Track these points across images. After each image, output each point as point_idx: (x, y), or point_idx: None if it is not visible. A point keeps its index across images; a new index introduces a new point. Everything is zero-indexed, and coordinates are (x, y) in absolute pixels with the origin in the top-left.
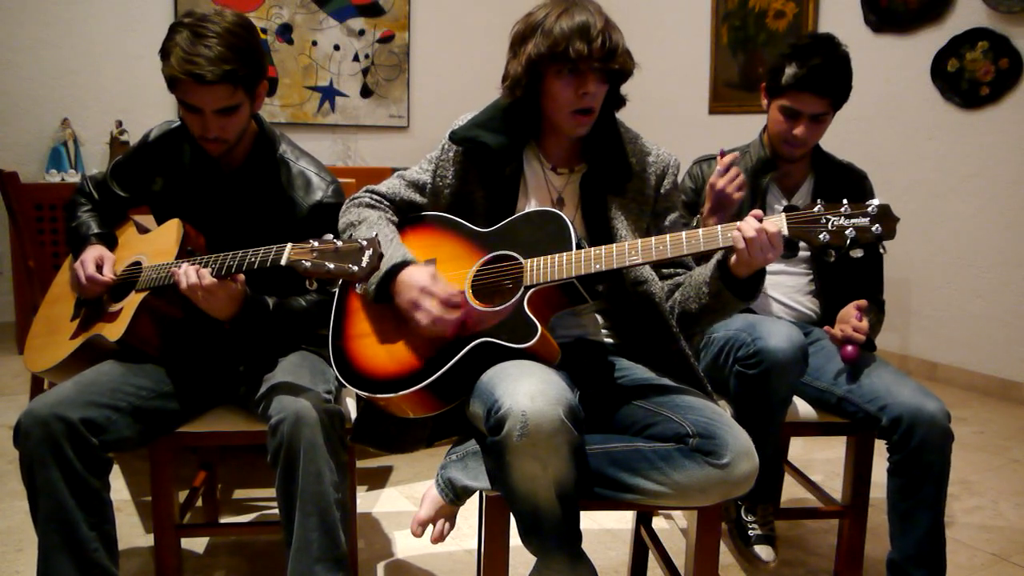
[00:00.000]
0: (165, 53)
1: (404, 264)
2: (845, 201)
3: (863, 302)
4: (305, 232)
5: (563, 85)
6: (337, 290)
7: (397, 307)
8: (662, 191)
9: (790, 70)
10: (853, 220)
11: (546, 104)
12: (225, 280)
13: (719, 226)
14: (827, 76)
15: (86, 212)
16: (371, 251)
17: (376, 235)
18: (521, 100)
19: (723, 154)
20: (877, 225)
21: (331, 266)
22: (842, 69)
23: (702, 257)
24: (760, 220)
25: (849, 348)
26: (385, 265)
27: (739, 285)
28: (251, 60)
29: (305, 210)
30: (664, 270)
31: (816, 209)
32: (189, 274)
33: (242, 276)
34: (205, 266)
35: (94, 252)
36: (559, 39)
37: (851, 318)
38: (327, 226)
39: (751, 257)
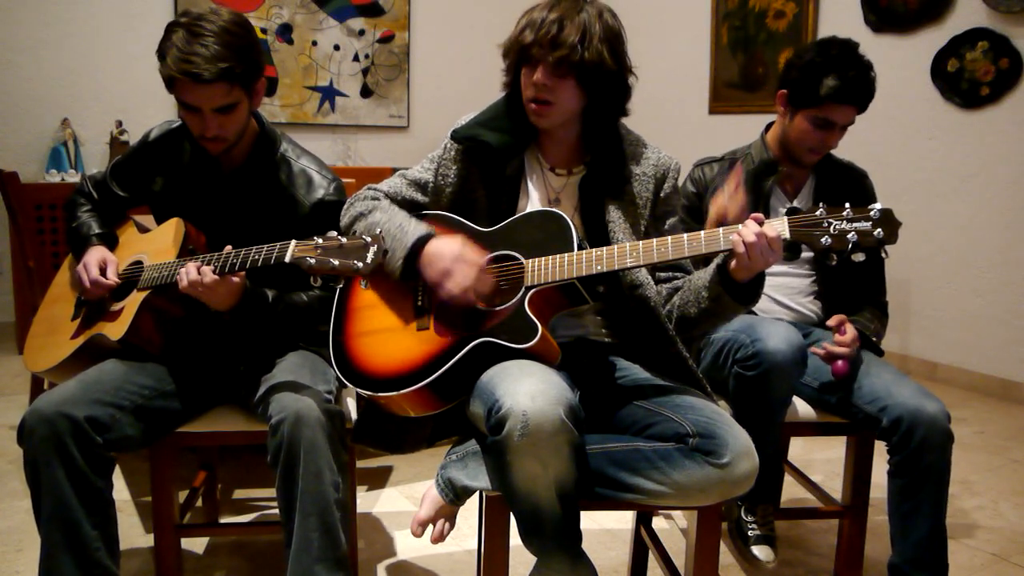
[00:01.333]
0: (162, 53)
1: (429, 236)
2: (847, 205)
3: (835, 317)
4: (307, 230)
5: (523, 75)
6: (341, 286)
7: (425, 279)
8: (662, 195)
9: (829, 82)
10: (855, 224)
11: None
12: (226, 276)
13: (720, 229)
14: (863, 87)
15: (86, 212)
16: (376, 247)
17: (380, 232)
18: (514, 97)
19: (739, 175)
20: (879, 229)
21: (335, 262)
22: (872, 78)
23: (702, 260)
24: (761, 224)
25: (839, 363)
26: (411, 239)
27: (739, 289)
28: (248, 58)
29: (307, 208)
30: (661, 274)
31: (818, 213)
32: (190, 271)
33: (242, 273)
34: (208, 264)
35: (97, 255)
36: (516, 32)
37: (834, 335)
38: (329, 224)
39: (751, 261)
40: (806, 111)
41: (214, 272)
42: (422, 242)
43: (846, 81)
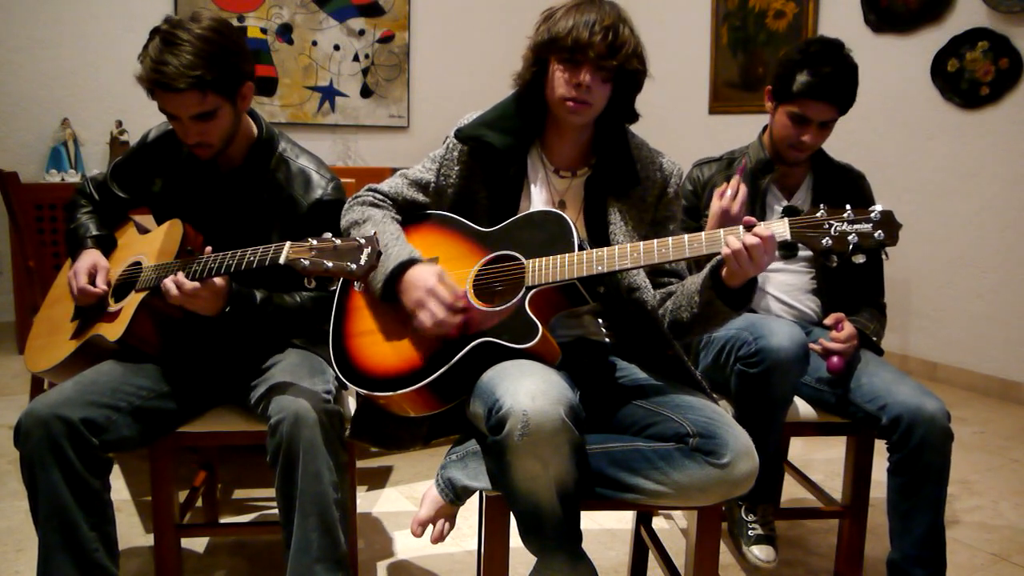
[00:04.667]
0: (140, 60)
1: (411, 263)
2: (848, 207)
3: (832, 316)
4: (306, 230)
5: (560, 73)
6: (338, 287)
7: (402, 305)
8: (663, 200)
9: (801, 78)
10: (856, 226)
11: (548, 93)
12: (208, 281)
13: (721, 229)
14: (838, 85)
15: (85, 213)
16: (369, 249)
17: (375, 233)
18: (528, 95)
19: (742, 171)
20: (880, 231)
21: (329, 264)
22: (851, 77)
23: (697, 265)
24: (752, 227)
25: (834, 359)
26: (392, 263)
27: (731, 295)
28: (224, 65)
29: (305, 208)
30: (657, 279)
31: (819, 214)
32: (169, 288)
33: (225, 277)
34: (203, 266)
35: (87, 262)
36: (563, 28)
37: (830, 332)
38: (328, 223)
39: (740, 267)
40: (784, 106)
41: (198, 277)
42: (402, 268)
43: (819, 77)
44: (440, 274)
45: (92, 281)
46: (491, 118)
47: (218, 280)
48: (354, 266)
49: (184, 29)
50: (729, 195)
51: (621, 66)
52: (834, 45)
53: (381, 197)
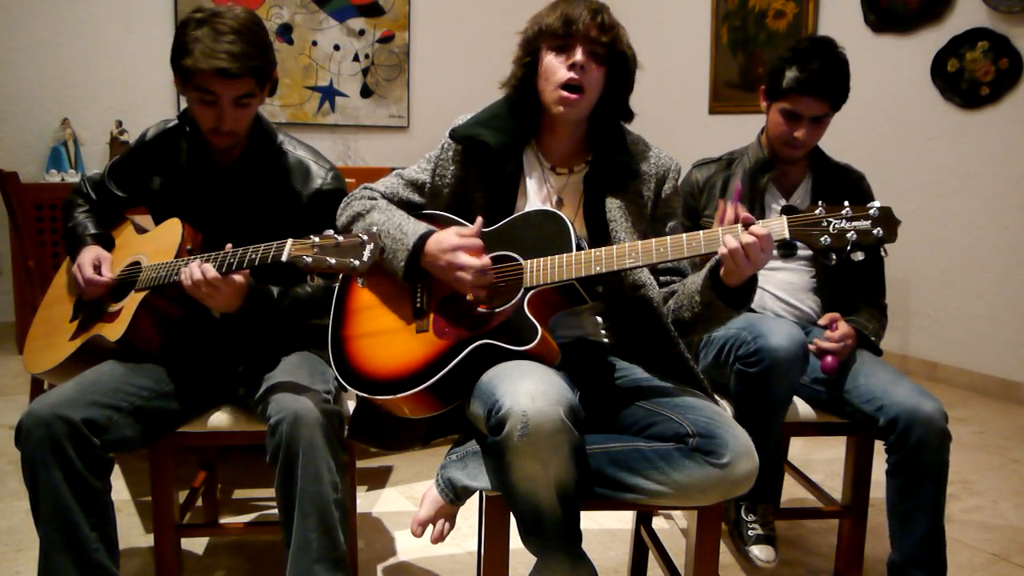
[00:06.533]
0: (183, 48)
1: (429, 233)
2: (847, 203)
3: (827, 316)
4: (307, 221)
5: (553, 58)
6: (337, 285)
7: (435, 277)
8: (662, 196)
9: (790, 74)
10: (854, 223)
11: (541, 87)
12: (229, 276)
13: (720, 228)
14: (827, 80)
15: (83, 213)
16: (372, 245)
17: (376, 229)
18: (519, 95)
19: (738, 194)
20: (879, 228)
21: (332, 261)
22: (841, 72)
23: (700, 263)
24: (749, 226)
25: (828, 359)
26: (412, 238)
27: (731, 294)
28: (267, 54)
29: (305, 199)
30: (660, 277)
31: (818, 212)
32: (193, 271)
33: (247, 271)
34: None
35: (91, 254)
36: (552, 16)
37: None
38: (329, 213)
39: (737, 266)
40: (776, 103)
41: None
42: (423, 240)
43: (808, 73)
44: (459, 231)
45: (98, 272)
46: (485, 117)
47: (238, 277)
48: (357, 262)
49: (228, 19)
50: (729, 218)
51: (612, 46)
52: (823, 42)
53: (378, 196)
